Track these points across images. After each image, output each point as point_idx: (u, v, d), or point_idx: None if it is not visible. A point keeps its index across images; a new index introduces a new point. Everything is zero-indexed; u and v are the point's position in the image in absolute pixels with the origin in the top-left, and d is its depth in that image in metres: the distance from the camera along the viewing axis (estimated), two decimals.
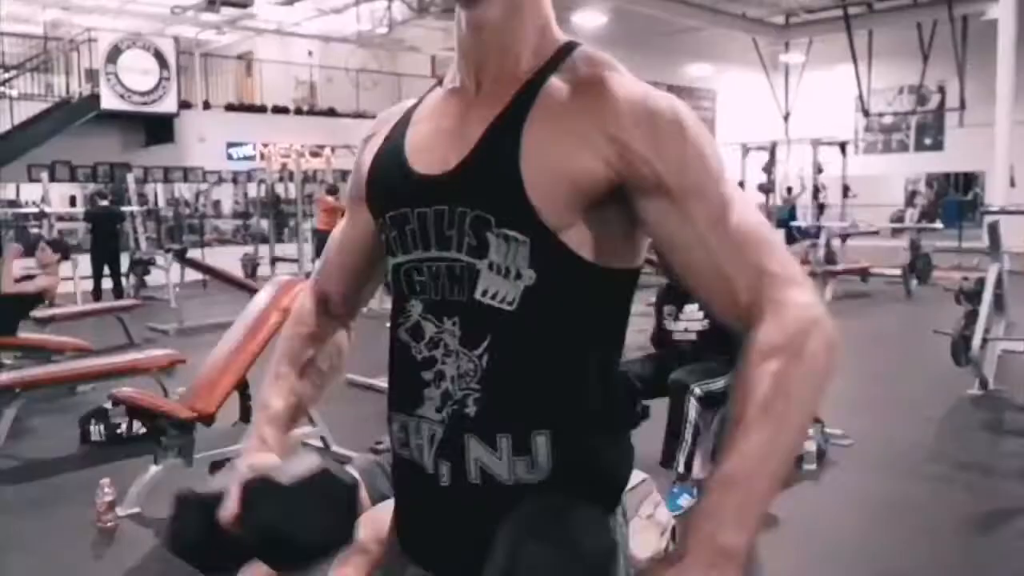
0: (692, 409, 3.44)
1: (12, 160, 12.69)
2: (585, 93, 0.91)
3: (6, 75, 13.87)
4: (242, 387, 3.85)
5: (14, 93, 13.53)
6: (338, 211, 11.78)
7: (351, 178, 1.14)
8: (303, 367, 1.18)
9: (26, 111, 12.95)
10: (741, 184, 14.46)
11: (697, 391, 3.44)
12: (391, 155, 1.03)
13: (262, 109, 16.64)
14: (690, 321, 3.85)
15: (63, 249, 6.43)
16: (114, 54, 13.18)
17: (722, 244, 0.86)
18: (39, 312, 6.73)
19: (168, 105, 13.87)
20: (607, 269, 0.93)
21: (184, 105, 14.54)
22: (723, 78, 21.15)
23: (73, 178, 14.08)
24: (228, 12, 15.05)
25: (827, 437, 4.28)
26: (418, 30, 16.99)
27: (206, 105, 15.62)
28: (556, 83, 0.93)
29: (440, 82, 1.07)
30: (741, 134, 18.03)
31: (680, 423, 3.49)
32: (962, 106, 16.96)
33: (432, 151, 0.98)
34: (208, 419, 3.54)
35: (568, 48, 0.98)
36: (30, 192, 13.66)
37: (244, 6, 14.21)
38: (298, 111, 17.13)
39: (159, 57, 13.64)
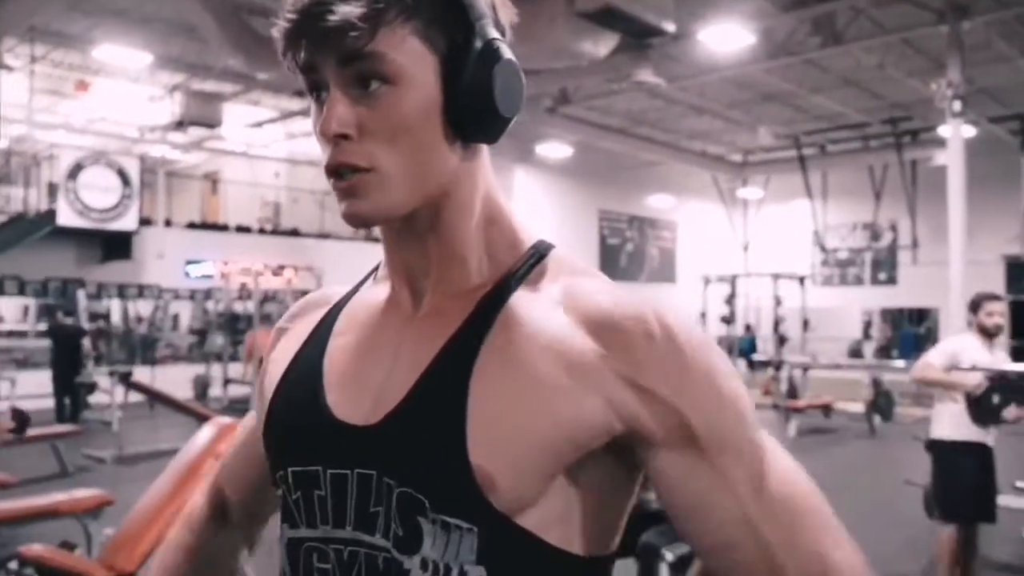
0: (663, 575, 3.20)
1: None
2: (577, 317, 0.68)
3: None
4: None
5: None
6: None
7: (256, 387, 0.90)
8: None
9: None
10: (703, 316, 14.70)
11: (668, 556, 3.21)
12: (303, 384, 0.77)
13: (224, 228, 16.57)
14: None
15: (22, 422, 5.95)
16: (75, 171, 13.10)
17: (767, 518, 0.67)
18: None
19: (128, 223, 13.72)
20: (580, 557, 0.69)
21: (145, 222, 14.40)
22: (684, 209, 21.67)
23: (22, 292, 13.72)
24: (196, 133, 15.17)
25: None
26: None
27: (167, 223, 15.51)
28: (524, 301, 0.70)
29: (376, 270, 0.83)
30: (701, 265, 18.34)
31: None
32: (914, 244, 17.46)
33: (357, 388, 0.73)
34: None
35: (538, 253, 0.75)
36: None
37: (212, 127, 14.33)
38: (261, 230, 17.09)
39: (122, 175, 13.59)
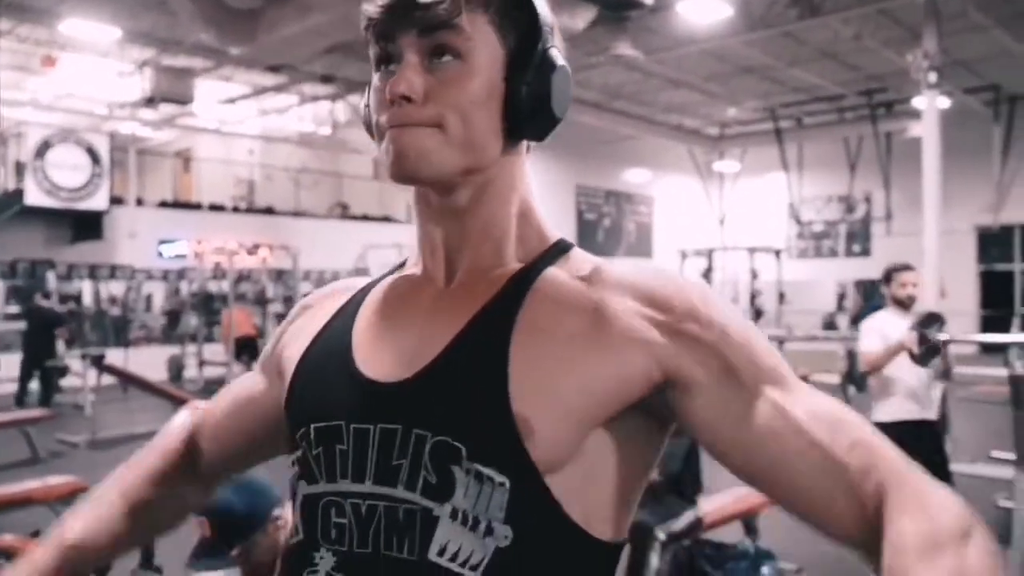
0: (655, 555, 3.21)
1: None
2: (612, 286, 0.74)
3: None
4: None
5: None
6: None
7: (268, 347, 0.92)
8: (134, 506, 0.93)
9: None
10: None
11: (661, 535, 3.23)
12: (331, 349, 0.80)
13: (197, 206, 16.34)
14: None
15: None
16: (43, 149, 12.83)
17: (814, 421, 0.71)
18: None
19: (98, 202, 13.48)
20: (593, 539, 0.72)
21: (116, 201, 14.16)
22: (660, 184, 21.67)
23: None
24: (167, 110, 14.88)
25: (781, 572, 4.05)
26: (361, 132, 16.91)
27: (139, 202, 15.26)
28: (556, 273, 0.76)
29: (403, 264, 0.87)
30: (678, 239, 18.38)
31: (641, 568, 3.25)
32: (888, 216, 17.59)
33: (387, 351, 0.76)
34: (102, 568, 3.13)
35: (562, 247, 0.81)
36: None
37: (183, 103, 14.06)
38: (235, 209, 16.87)
39: (91, 153, 13.33)
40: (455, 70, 0.72)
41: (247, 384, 0.95)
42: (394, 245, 12.34)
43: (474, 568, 0.67)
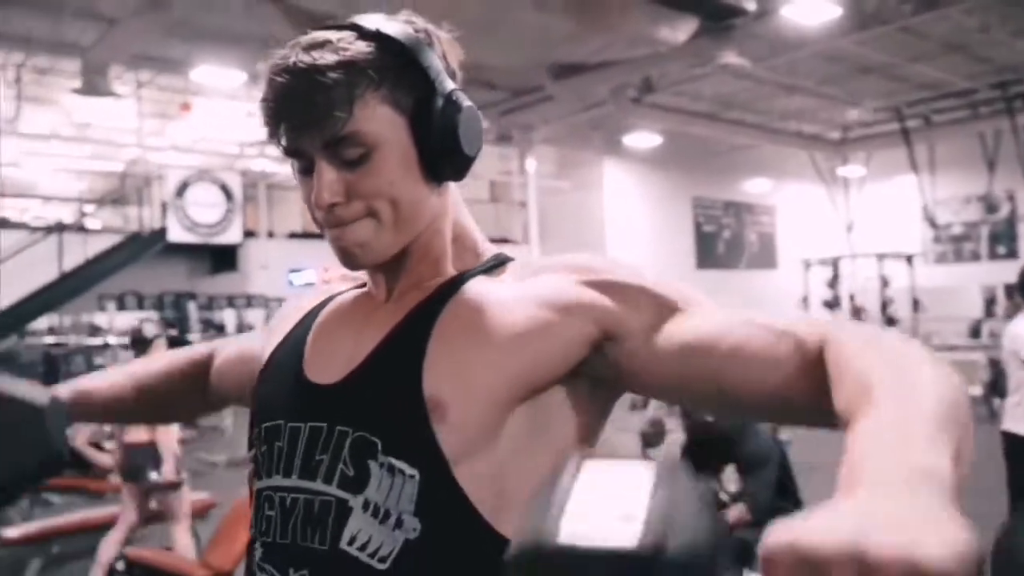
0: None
1: (84, 291, 13.17)
2: (536, 271, 0.81)
3: (85, 210, 14.67)
4: None
5: (98, 225, 14.27)
6: None
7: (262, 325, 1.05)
8: (139, 387, 1.08)
9: (101, 243, 13.53)
10: (804, 300, 14.20)
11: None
12: (289, 354, 0.89)
13: (322, 236, 17.04)
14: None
15: None
16: (182, 189, 13.80)
17: (753, 316, 0.76)
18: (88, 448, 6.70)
19: (233, 236, 14.35)
20: (498, 534, 0.73)
21: (248, 234, 15.02)
22: (782, 192, 21.03)
23: (140, 307, 14.53)
24: None
25: None
26: (481, 157, 17.36)
27: (270, 234, 16.11)
28: (481, 283, 0.82)
29: (363, 283, 0.95)
30: (802, 248, 17.77)
31: None
32: None
33: (328, 357, 0.84)
34: None
35: (499, 260, 0.88)
36: (103, 321, 14.11)
37: None
38: None
39: (225, 190, 14.22)
40: (368, 163, 0.78)
41: (246, 344, 1.05)
42: None
43: (383, 559, 0.70)
